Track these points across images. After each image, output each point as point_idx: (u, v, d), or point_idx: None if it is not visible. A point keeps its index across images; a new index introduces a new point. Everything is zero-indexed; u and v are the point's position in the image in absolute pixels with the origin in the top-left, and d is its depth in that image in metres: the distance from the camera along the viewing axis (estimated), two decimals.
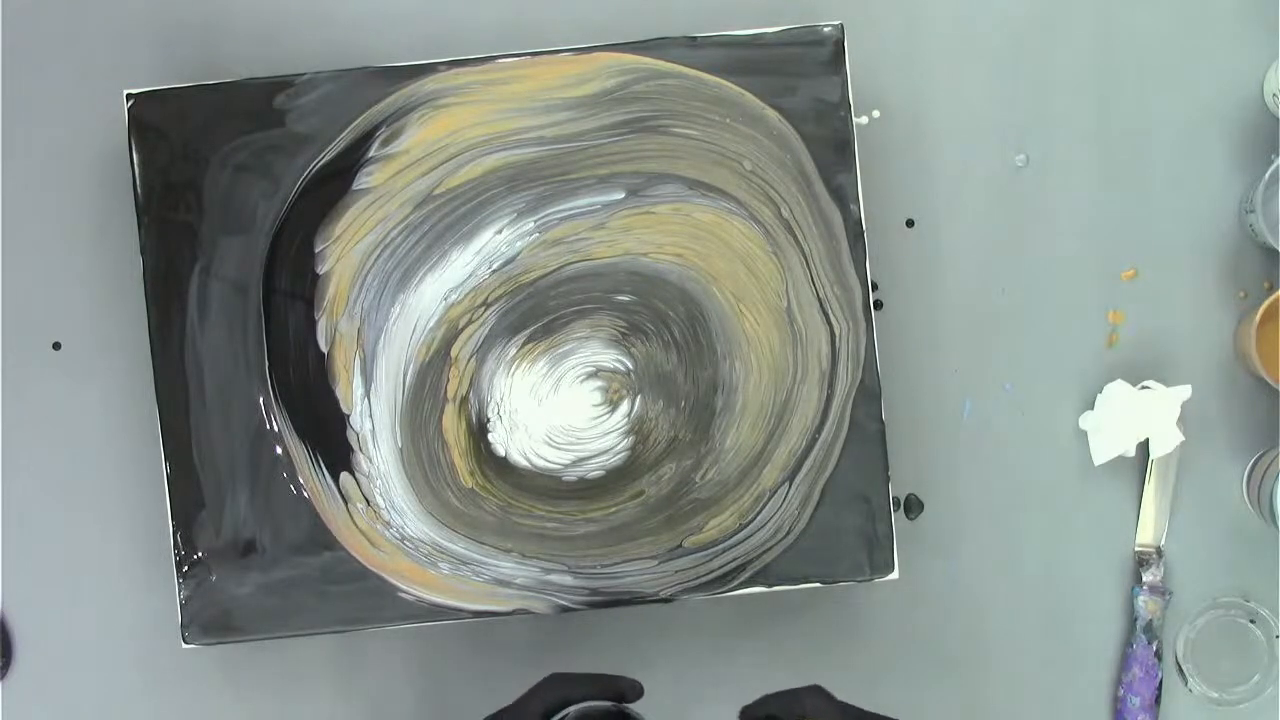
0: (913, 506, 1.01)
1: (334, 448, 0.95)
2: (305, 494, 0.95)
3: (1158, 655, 0.99)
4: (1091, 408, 0.99)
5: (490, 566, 0.95)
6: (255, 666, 1.01)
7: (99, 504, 1.01)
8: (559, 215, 0.95)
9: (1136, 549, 1.00)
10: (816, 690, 0.81)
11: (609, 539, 0.95)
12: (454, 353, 0.95)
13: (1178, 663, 0.98)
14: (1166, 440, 0.98)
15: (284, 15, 1.01)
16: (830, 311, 0.95)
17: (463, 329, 0.95)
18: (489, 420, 0.95)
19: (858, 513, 0.95)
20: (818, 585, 0.95)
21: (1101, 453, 0.98)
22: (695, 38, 0.94)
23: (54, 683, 1.01)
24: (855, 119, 0.94)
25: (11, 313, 1.01)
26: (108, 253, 1.01)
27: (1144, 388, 0.98)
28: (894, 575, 0.95)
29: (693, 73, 0.94)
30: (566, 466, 0.95)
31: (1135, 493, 1.00)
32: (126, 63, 1.01)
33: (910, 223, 1.01)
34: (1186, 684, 0.99)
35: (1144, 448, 1.00)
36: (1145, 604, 0.99)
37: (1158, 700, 0.99)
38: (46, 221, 1.01)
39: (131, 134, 0.94)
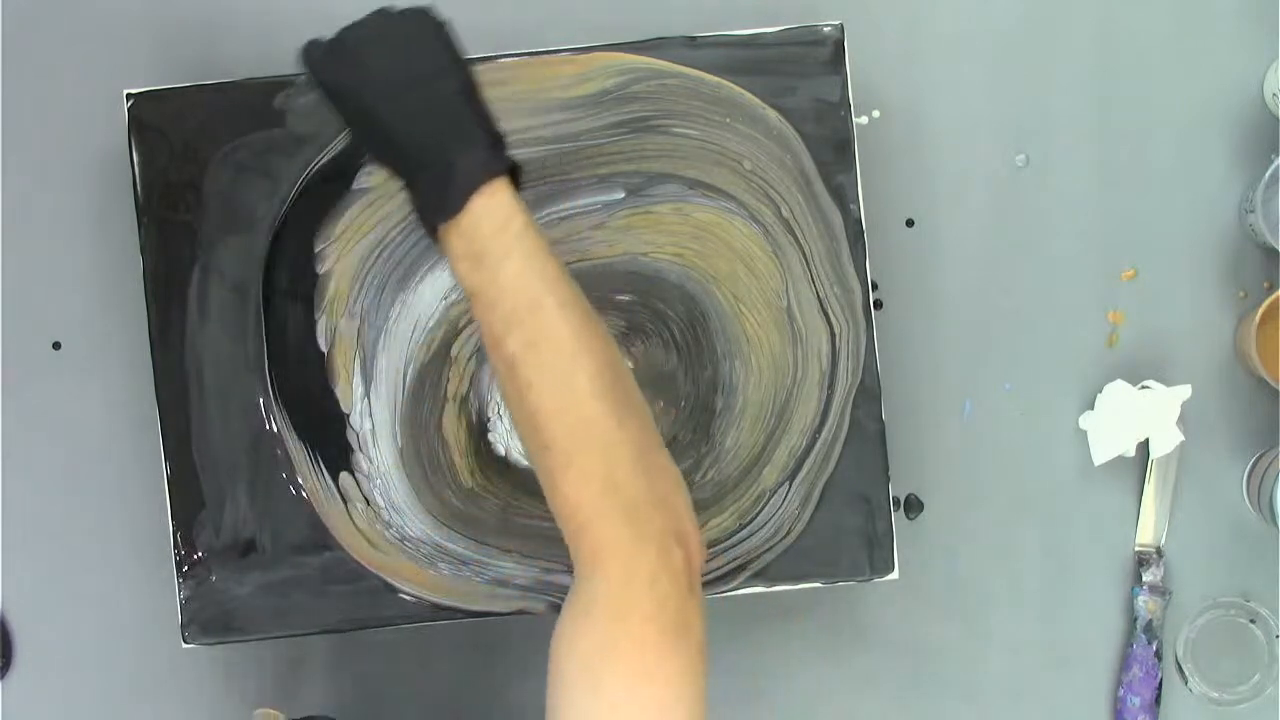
0: (913, 506, 1.01)
1: (334, 448, 0.95)
2: (305, 494, 0.95)
3: (1158, 655, 0.99)
4: (1091, 408, 0.99)
5: (490, 566, 0.95)
6: (255, 666, 1.01)
7: (99, 504, 1.01)
8: (559, 215, 0.95)
9: (1136, 549, 1.00)
10: None
11: None
12: (454, 352, 0.95)
13: (1178, 663, 0.98)
14: (1166, 440, 0.97)
15: (284, 15, 1.01)
16: (830, 311, 0.95)
17: (463, 328, 0.95)
18: (489, 420, 0.95)
19: (858, 513, 0.95)
20: (818, 585, 0.95)
21: (1101, 453, 0.98)
22: (695, 38, 0.94)
23: (54, 683, 1.01)
24: (855, 119, 0.94)
25: (11, 313, 1.01)
26: (108, 253, 1.01)
27: (1144, 388, 0.98)
28: (894, 575, 0.95)
29: (693, 73, 0.94)
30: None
31: (1135, 493, 1.00)
32: (126, 63, 1.01)
33: (910, 223, 1.01)
34: (1186, 684, 0.99)
35: (1144, 448, 1.00)
36: (1145, 604, 0.99)
37: (1158, 700, 0.99)
38: (46, 221, 1.01)
39: (131, 134, 0.94)
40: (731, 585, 0.95)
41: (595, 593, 0.73)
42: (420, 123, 0.77)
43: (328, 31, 1.00)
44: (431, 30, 0.79)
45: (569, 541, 0.75)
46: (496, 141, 0.79)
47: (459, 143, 0.77)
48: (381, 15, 0.79)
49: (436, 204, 0.77)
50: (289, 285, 0.95)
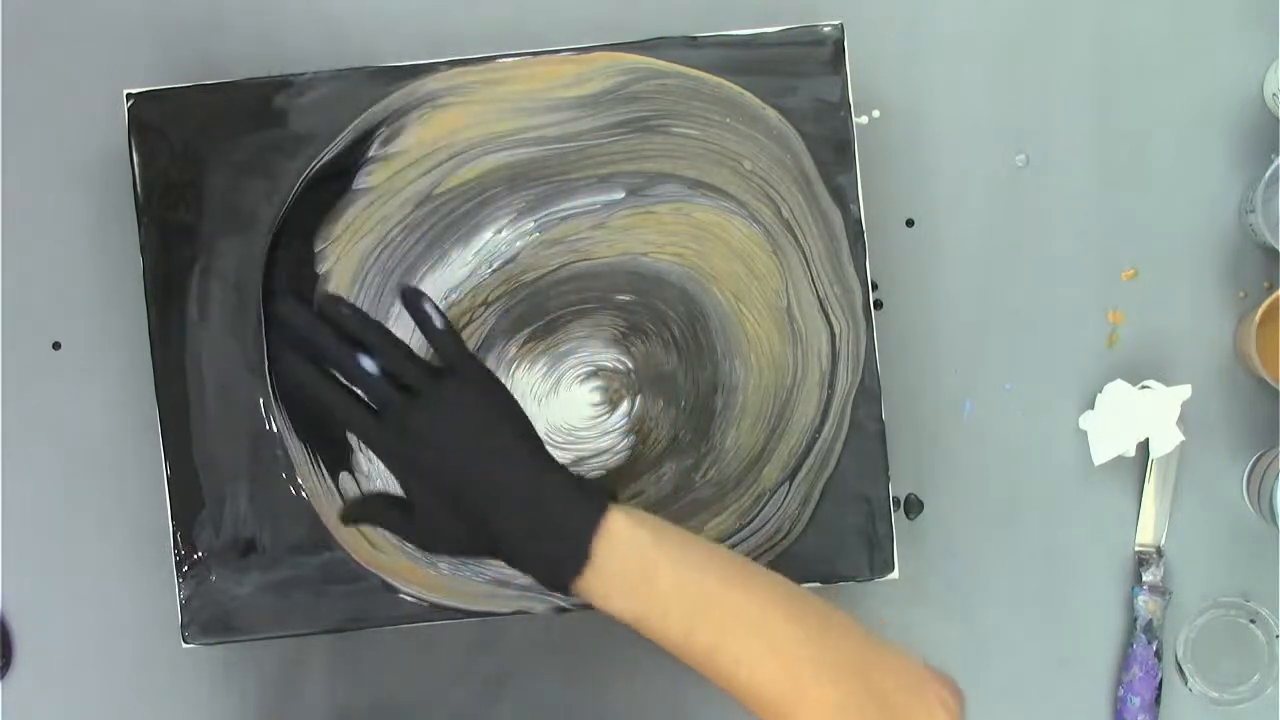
0: (913, 506, 1.01)
1: (334, 448, 0.95)
2: (305, 494, 0.95)
3: (1158, 655, 0.99)
4: (1091, 408, 0.99)
5: (490, 566, 0.95)
6: (255, 666, 1.01)
7: (99, 504, 1.01)
8: (559, 215, 0.95)
9: (1136, 549, 1.00)
10: None
11: None
12: None
13: (1178, 663, 0.98)
14: (1166, 440, 0.97)
15: (284, 15, 1.01)
16: (830, 311, 0.95)
17: (463, 328, 0.95)
18: None
19: (858, 513, 0.95)
20: (818, 585, 0.95)
21: (1101, 453, 0.98)
22: (695, 38, 0.94)
23: (54, 683, 1.01)
24: (855, 119, 0.94)
25: (11, 313, 1.01)
26: (108, 253, 1.01)
27: (1144, 388, 0.98)
28: (894, 575, 0.95)
29: (693, 73, 0.94)
30: (567, 466, 0.95)
31: (1135, 493, 1.00)
32: (126, 63, 1.01)
33: (910, 223, 1.01)
34: (1186, 684, 0.99)
35: (1144, 448, 1.00)
36: (1145, 604, 0.99)
37: (1158, 700, 0.99)
38: (46, 221, 1.01)
39: (131, 134, 0.94)
40: None
41: None
42: (514, 507, 0.77)
43: (327, 30, 1.01)
44: (493, 396, 0.80)
45: None
46: (579, 479, 0.79)
47: (555, 503, 0.77)
48: (450, 396, 0.79)
49: (558, 570, 0.77)
50: (289, 285, 0.95)
